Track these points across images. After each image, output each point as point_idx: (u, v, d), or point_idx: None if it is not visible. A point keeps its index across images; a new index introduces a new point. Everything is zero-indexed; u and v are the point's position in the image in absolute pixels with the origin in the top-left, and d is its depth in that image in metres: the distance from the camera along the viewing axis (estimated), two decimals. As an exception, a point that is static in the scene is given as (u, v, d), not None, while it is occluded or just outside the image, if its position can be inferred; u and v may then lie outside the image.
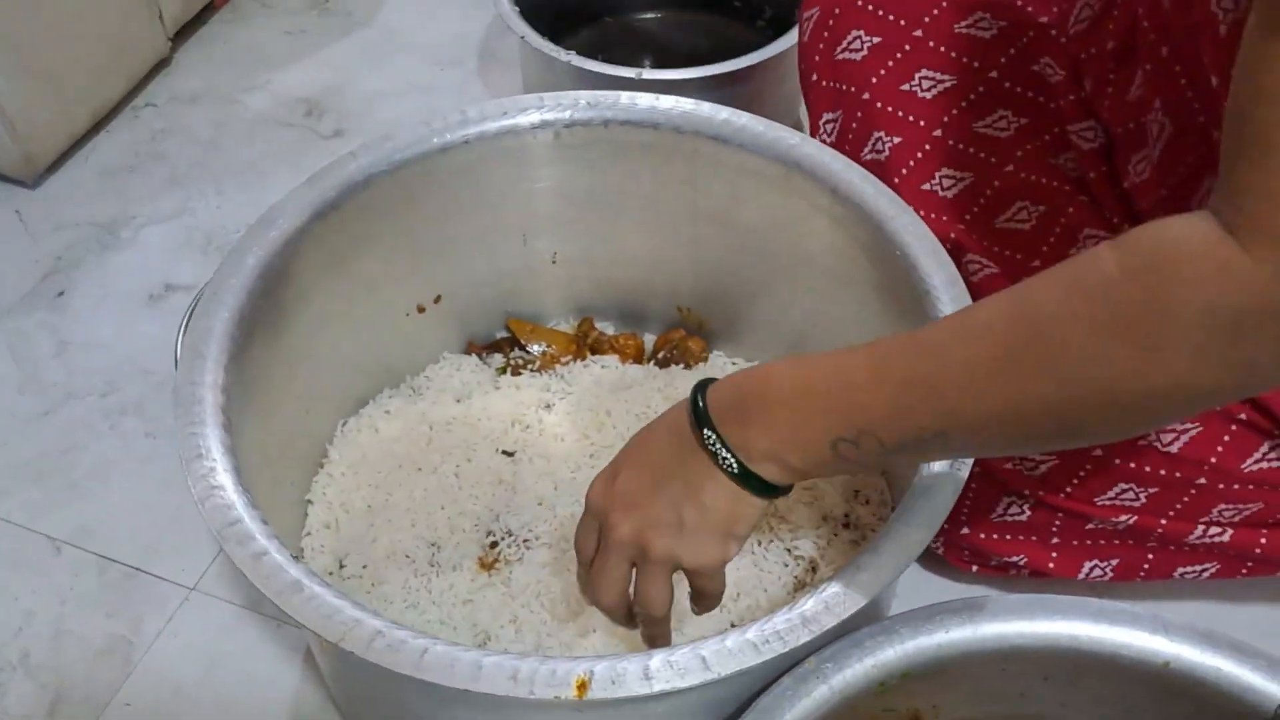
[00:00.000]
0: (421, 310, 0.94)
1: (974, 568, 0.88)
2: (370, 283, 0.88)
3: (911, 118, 0.87)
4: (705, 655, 0.59)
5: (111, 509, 0.99)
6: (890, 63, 0.87)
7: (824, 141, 0.92)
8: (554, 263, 0.98)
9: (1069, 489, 0.80)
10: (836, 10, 0.92)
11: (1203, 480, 0.78)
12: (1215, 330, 0.48)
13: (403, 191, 0.86)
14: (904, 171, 0.87)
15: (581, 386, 0.93)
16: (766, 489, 0.60)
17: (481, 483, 0.86)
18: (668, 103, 0.88)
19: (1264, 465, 0.77)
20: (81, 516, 0.99)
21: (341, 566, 0.83)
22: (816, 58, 0.91)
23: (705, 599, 0.67)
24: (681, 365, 0.97)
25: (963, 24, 0.89)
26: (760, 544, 0.82)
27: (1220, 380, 0.49)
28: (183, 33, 1.44)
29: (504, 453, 0.89)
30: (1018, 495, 0.82)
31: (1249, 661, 0.62)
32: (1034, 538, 0.84)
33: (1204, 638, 0.63)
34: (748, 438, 0.59)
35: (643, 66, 1.17)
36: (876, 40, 0.88)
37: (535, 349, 0.99)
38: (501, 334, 1.01)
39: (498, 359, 0.98)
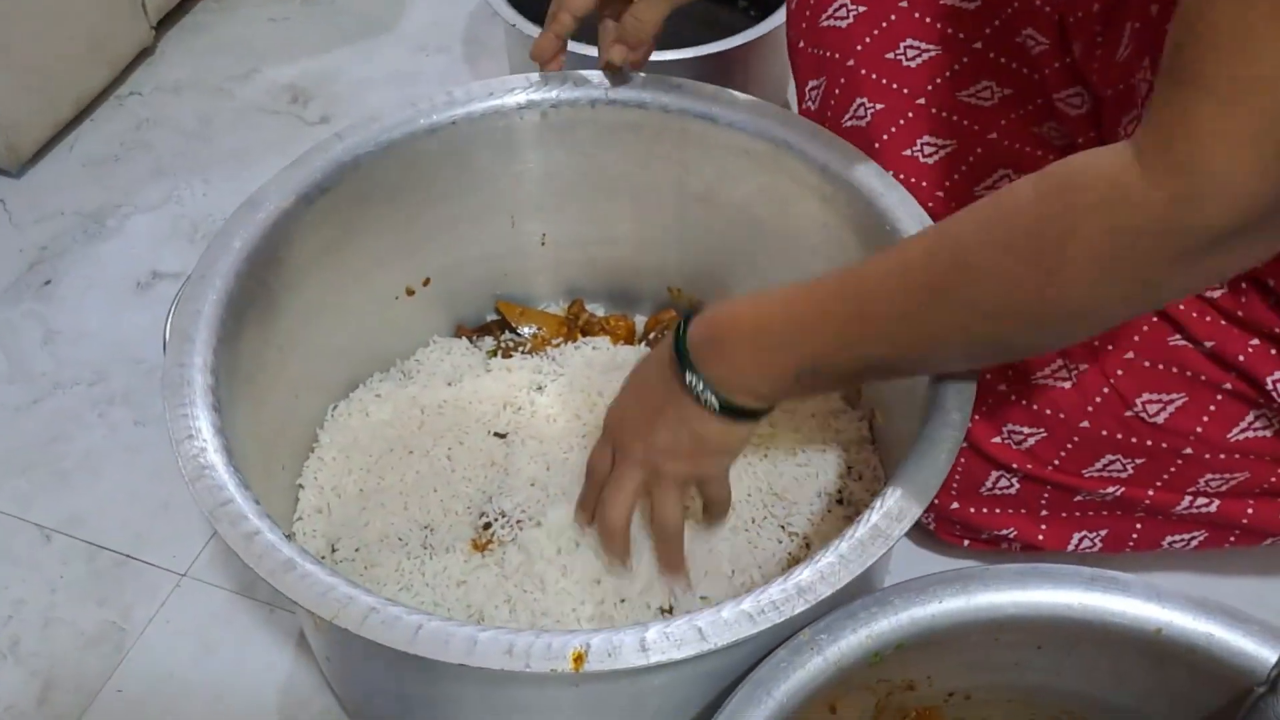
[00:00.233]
0: (410, 293, 0.94)
1: (965, 542, 0.88)
2: (358, 266, 0.88)
3: (895, 85, 0.87)
4: (701, 626, 0.59)
5: (101, 497, 0.99)
6: (875, 31, 0.87)
7: (808, 109, 0.92)
8: (543, 244, 0.98)
9: (1056, 461, 0.81)
10: None
11: (1189, 450, 0.78)
12: (1116, 251, 0.52)
13: (390, 173, 0.86)
14: (885, 137, 0.87)
15: (573, 368, 0.93)
16: (751, 414, 0.67)
17: (474, 465, 0.86)
18: (654, 81, 0.87)
19: (1250, 435, 0.77)
20: (71, 505, 0.98)
21: (334, 550, 0.83)
22: (803, 24, 0.91)
23: (715, 505, 0.75)
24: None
25: None
26: (754, 521, 0.82)
27: (1126, 296, 0.54)
28: (166, 21, 1.43)
29: (496, 435, 0.89)
30: (1006, 469, 0.82)
31: (1241, 627, 0.62)
32: (1023, 510, 0.84)
33: (1196, 604, 0.63)
34: (723, 374, 0.66)
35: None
36: (862, 9, 0.88)
37: (526, 331, 0.99)
38: (491, 317, 1.01)
39: (488, 342, 0.98)
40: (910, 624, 0.64)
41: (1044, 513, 0.84)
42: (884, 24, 0.87)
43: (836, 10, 0.89)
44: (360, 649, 0.61)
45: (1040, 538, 0.85)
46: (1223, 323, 0.75)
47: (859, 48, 0.88)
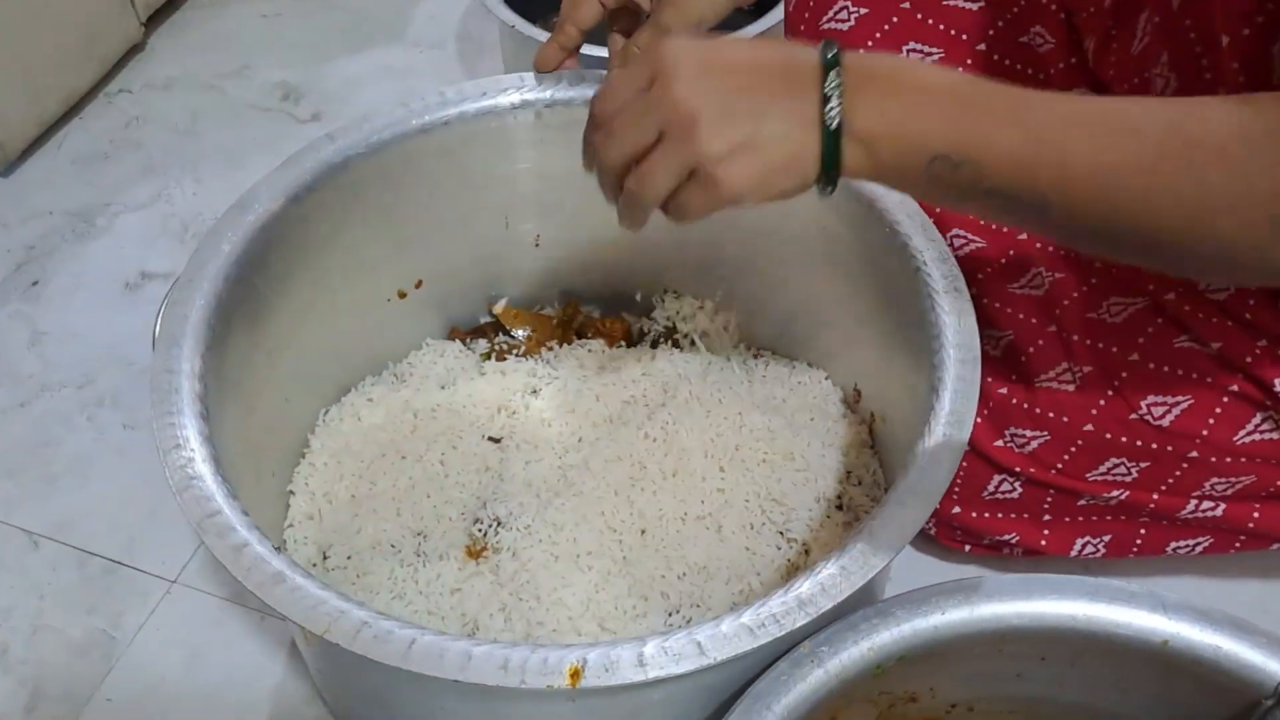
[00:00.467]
0: (403, 296, 0.93)
1: (966, 547, 0.88)
2: (350, 268, 0.87)
3: None
4: (701, 640, 0.58)
5: (90, 502, 0.98)
6: (878, 34, 0.86)
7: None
8: (537, 245, 0.97)
9: (1059, 465, 0.80)
10: None
11: (1195, 453, 0.77)
12: None
13: (381, 174, 0.84)
14: None
15: (568, 371, 0.92)
16: (828, 167, 0.56)
17: (468, 470, 0.85)
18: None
19: (1256, 437, 0.76)
20: (59, 510, 0.97)
21: (325, 558, 0.82)
22: (802, 27, 0.90)
23: (678, 215, 0.61)
24: (671, 345, 0.96)
25: None
26: (752, 527, 0.81)
27: None
28: (156, 17, 1.42)
29: (490, 439, 0.88)
30: (1008, 473, 0.81)
31: (1248, 639, 0.61)
32: (1025, 515, 0.84)
33: (1203, 616, 0.62)
34: (857, 105, 0.55)
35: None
36: (864, 11, 0.86)
37: (519, 334, 0.98)
38: (485, 319, 1.00)
39: (482, 344, 0.97)
40: (913, 635, 0.63)
41: (1046, 517, 0.83)
42: (886, 26, 0.86)
43: (838, 13, 0.87)
44: (352, 662, 0.60)
45: (1043, 543, 0.84)
46: (1230, 324, 0.75)
47: (860, 51, 0.86)
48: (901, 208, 0.78)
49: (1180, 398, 0.77)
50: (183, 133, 1.31)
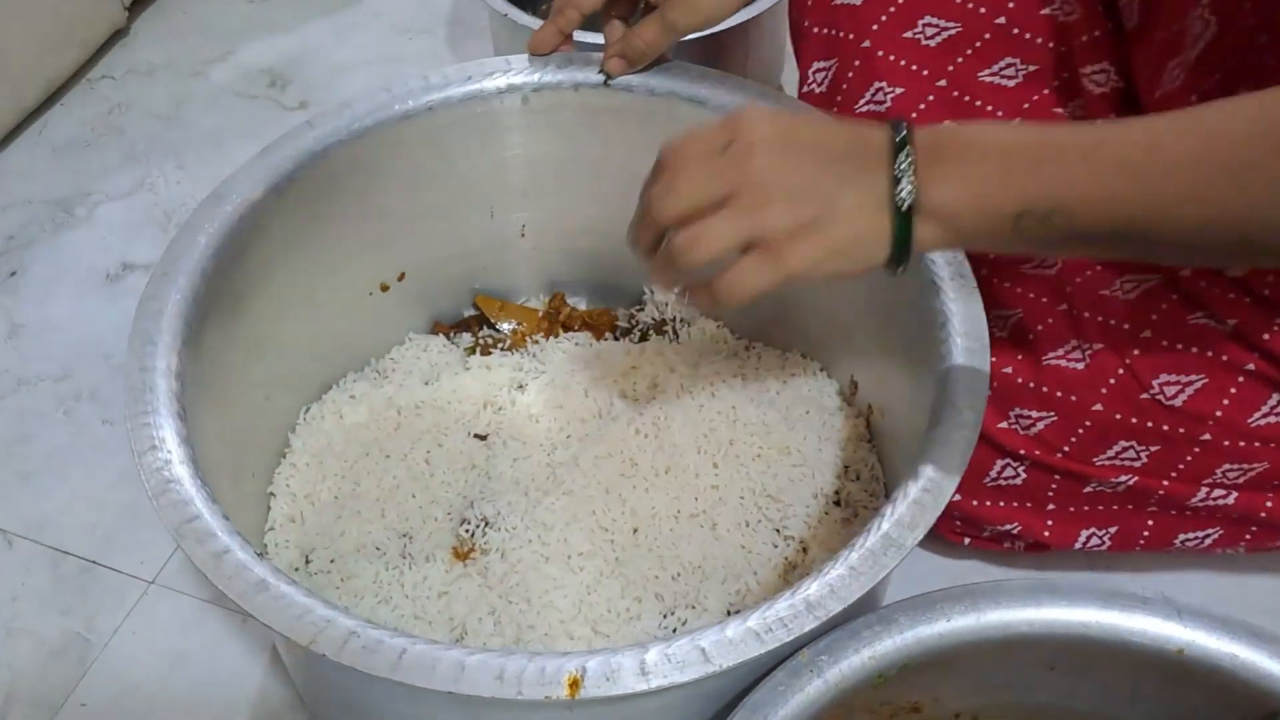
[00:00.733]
0: (385, 289, 0.91)
1: (966, 540, 0.86)
2: (330, 260, 0.85)
3: (914, 67, 0.83)
4: (705, 647, 0.56)
5: (66, 500, 0.96)
6: (891, 8, 0.83)
7: (813, 93, 0.88)
8: (523, 236, 0.95)
9: (1066, 448, 0.78)
10: None
11: (1207, 436, 0.75)
12: None
13: (363, 162, 0.82)
14: None
15: (554, 364, 0.90)
16: (899, 247, 0.56)
17: (454, 468, 0.83)
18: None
19: (1272, 420, 0.74)
20: (34, 508, 0.95)
21: (308, 562, 0.80)
22: (809, 2, 0.87)
23: (722, 299, 0.59)
24: (665, 336, 0.93)
25: None
26: (747, 524, 0.79)
27: None
28: (140, 2, 1.40)
29: (476, 436, 0.86)
30: (1012, 456, 0.80)
31: (1266, 648, 0.59)
32: (1029, 504, 0.82)
33: (1219, 623, 0.60)
34: (932, 183, 0.55)
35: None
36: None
37: (505, 327, 0.96)
38: (469, 312, 0.98)
39: (466, 338, 0.95)
40: (916, 643, 0.61)
41: (1050, 506, 0.81)
42: (900, 0, 0.83)
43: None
44: (339, 672, 0.57)
45: (1046, 534, 0.82)
46: (1247, 300, 0.72)
47: (874, 27, 0.84)
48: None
49: (1194, 377, 0.74)
50: (166, 120, 1.29)
